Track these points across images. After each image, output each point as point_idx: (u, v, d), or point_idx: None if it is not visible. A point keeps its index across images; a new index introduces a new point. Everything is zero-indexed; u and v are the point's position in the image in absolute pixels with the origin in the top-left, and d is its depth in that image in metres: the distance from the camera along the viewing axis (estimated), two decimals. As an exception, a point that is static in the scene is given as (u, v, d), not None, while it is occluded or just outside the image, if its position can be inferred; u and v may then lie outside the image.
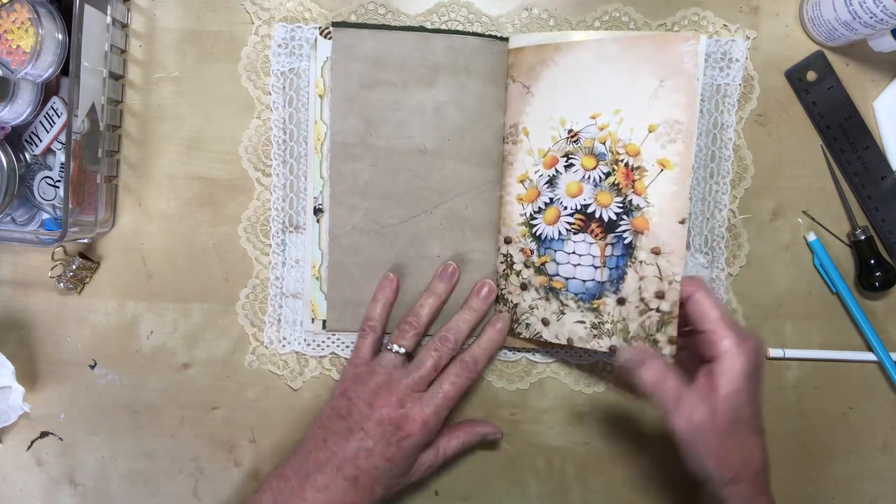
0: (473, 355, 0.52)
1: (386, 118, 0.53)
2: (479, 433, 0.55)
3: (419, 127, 0.54)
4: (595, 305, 0.51)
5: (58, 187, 0.54)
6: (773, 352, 0.57)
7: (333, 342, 0.57)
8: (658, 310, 0.49)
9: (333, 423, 0.50)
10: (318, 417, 0.51)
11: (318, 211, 0.55)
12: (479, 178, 0.54)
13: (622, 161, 0.51)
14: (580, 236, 0.52)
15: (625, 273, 0.51)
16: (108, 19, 0.53)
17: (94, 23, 0.51)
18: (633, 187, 0.50)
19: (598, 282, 0.51)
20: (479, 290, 0.54)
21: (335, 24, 0.54)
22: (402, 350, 0.51)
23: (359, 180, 0.54)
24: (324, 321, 0.56)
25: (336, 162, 0.54)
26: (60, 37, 0.51)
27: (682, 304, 0.49)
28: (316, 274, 0.55)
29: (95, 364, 0.57)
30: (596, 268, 0.52)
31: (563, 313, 0.52)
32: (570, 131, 0.52)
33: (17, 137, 0.54)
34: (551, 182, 0.53)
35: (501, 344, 0.54)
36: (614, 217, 0.51)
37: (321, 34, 0.54)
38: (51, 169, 0.54)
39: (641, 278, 0.50)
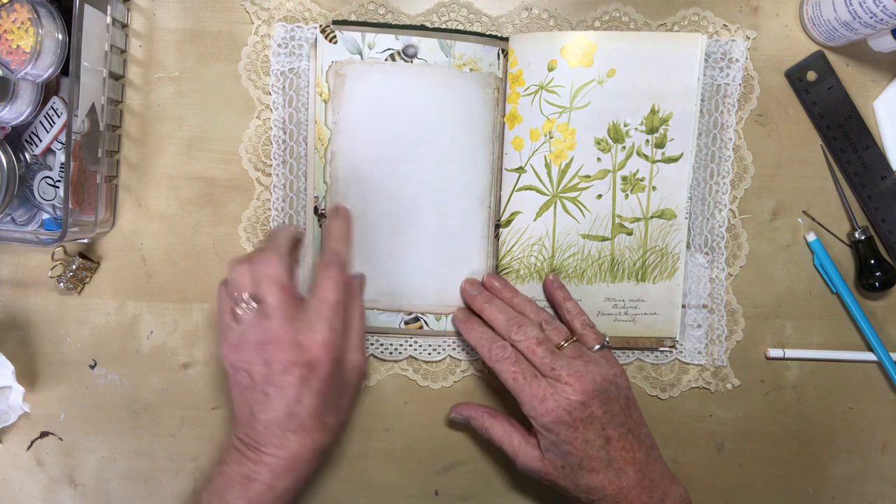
0: (333, 250, 0.49)
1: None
2: (356, 286, 0.52)
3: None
4: None
5: (58, 187, 0.54)
6: (773, 352, 0.57)
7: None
8: None
9: (246, 394, 0.47)
10: (231, 395, 0.48)
11: (321, 216, 0.55)
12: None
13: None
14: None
15: None
16: (108, 19, 0.53)
17: (94, 23, 0.51)
18: None
19: None
20: (334, 213, 0.52)
21: (336, 23, 0.54)
22: (254, 303, 0.46)
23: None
24: None
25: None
26: (60, 37, 0.51)
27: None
28: None
29: (95, 364, 0.57)
30: None
31: None
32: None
33: (17, 137, 0.54)
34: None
35: (350, 229, 0.51)
36: None
37: (323, 35, 0.54)
38: (51, 169, 0.54)
39: None
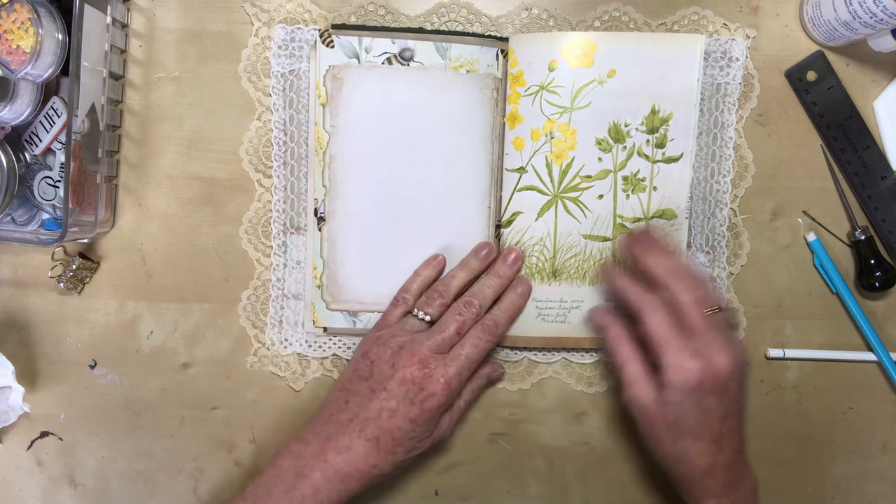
0: (495, 318, 0.52)
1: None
2: (483, 375, 0.55)
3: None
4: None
5: (58, 187, 0.54)
6: (773, 352, 0.57)
7: (335, 343, 0.57)
8: None
9: (355, 384, 0.49)
10: (340, 380, 0.51)
11: (320, 219, 0.55)
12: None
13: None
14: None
15: None
16: (108, 19, 0.53)
17: (94, 23, 0.51)
18: None
19: None
20: (506, 257, 0.54)
21: (335, 27, 0.54)
22: (428, 317, 0.51)
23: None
24: (325, 328, 0.56)
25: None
26: (60, 37, 0.51)
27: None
28: (318, 282, 0.55)
29: (95, 364, 0.57)
30: None
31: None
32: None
33: (17, 137, 0.54)
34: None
35: (523, 307, 0.54)
36: None
37: (322, 41, 0.54)
38: (51, 169, 0.54)
39: None
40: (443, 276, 0.55)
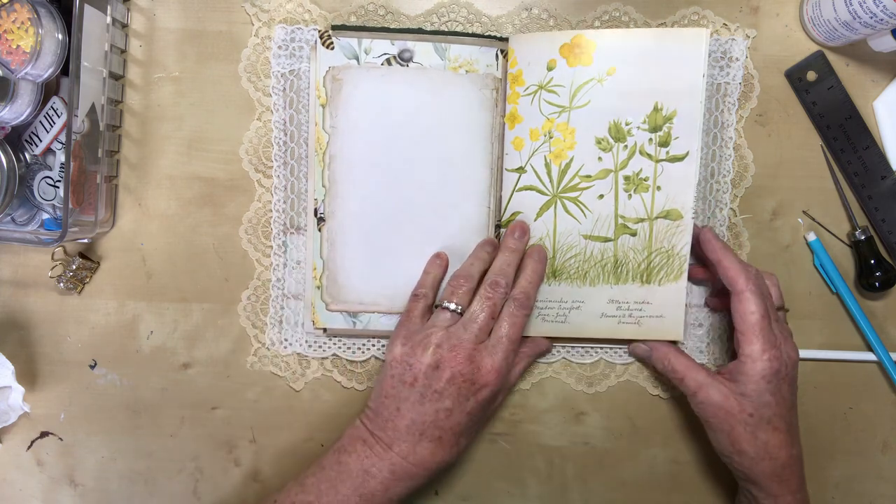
0: (524, 290, 0.51)
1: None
2: (537, 354, 0.56)
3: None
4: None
5: (58, 187, 0.54)
6: (774, 352, 0.57)
7: (335, 343, 0.57)
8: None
9: (401, 390, 0.49)
10: (381, 388, 0.50)
11: (320, 219, 0.55)
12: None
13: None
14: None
15: None
16: (108, 19, 0.53)
17: (94, 23, 0.51)
18: None
19: None
20: (512, 231, 0.54)
21: (334, 28, 0.54)
22: (459, 308, 0.51)
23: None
24: (324, 329, 0.56)
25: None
26: (60, 37, 0.51)
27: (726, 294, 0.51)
28: (317, 283, 0.55)
29: (95, 364, 0.57)
30: None
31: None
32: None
33: (17, 137, 0.54)
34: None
35: (544, 272, 0.54)
36: None
37: (322, 42, 0.54)
38: (51, 169, 0.54)
39: None
40: (450, 273, 0.55)
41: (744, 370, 0.49)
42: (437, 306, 0.52)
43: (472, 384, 0.48)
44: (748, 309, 0.49)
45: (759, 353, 0.48)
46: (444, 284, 0.54)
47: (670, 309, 0.55)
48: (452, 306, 0.51)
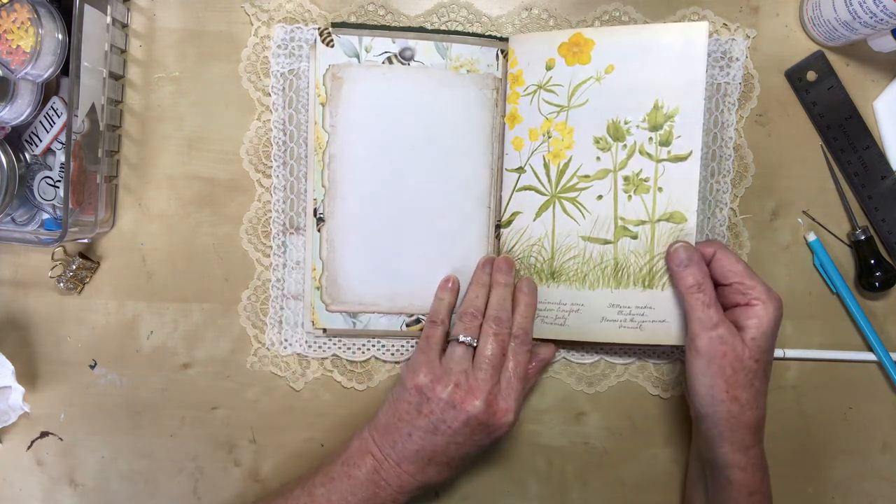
0: (522, 327, 0.53)
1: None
2: (544, 366, 0.57)
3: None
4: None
5: (58, 187, 0.54)
6: (774, 352, 0.57)
7: (335, 343, 0.57)
8: None
9: (415, 419, 0.50)
10: (395, 409, 0.51)
11: (319, 219, 0.55)
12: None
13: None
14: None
15: None
16: (108, 19, 0.53)
17: (94, 23, 0.51)
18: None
19: None
20: (500, 268, 0.54)
21: (334, 26, 0.54)
22: (475, 342, 0.51)
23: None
24: (324, 329, 0.56)
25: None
26: (60, 37, 0.51)
27: (707, 264, 0.50)
28: (317, 283, 0.55)
29: (95, 364, 0.57)
30: None
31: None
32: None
33: (17, 137, 0.54)
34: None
35: (535, 304, 0.55)
36: None
37: (322, 40, 0.54)
38: (51, 169, 0.54)
39: None
40: (460, 295, 0.55)
41: (755, 313, 0.48)
42: (449, 340, 0.52)
43: (486, 426, 0.50)
44: (731, 259, 0.49)
45: (766, 294, 0.49)
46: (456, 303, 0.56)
47: (673, 314, 0.52)
48: (468, 340, 0.51)
